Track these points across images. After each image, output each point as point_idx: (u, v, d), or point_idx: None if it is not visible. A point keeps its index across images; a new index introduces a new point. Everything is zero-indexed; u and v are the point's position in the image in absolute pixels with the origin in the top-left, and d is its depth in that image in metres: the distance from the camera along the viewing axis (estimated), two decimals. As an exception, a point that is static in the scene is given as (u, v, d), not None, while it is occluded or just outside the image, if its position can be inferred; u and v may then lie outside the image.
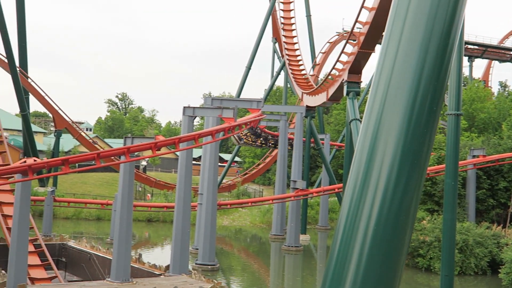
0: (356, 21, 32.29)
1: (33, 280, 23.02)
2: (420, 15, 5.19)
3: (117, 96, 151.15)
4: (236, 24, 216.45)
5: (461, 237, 32.25)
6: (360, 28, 32.34)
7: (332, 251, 5.29)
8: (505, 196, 39.99)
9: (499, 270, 29.91)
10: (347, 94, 32.74)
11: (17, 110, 60.92)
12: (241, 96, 58.93)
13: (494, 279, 31.35)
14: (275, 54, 64.34)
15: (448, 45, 5.21)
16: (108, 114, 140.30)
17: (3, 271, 23.20)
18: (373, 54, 30.77)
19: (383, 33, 5.74)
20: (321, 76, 70.90)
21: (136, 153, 23.56)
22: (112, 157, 45.26)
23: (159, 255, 36.95)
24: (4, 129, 37.72)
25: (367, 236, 5.15)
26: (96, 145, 62.55)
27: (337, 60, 35.47)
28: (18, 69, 50.12)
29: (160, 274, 25.08)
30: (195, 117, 30.56)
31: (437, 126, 5.49)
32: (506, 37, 77.83)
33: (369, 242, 5.10)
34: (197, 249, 31.93)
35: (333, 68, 36.03)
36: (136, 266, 25.94)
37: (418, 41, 5.20)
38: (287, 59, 54.74)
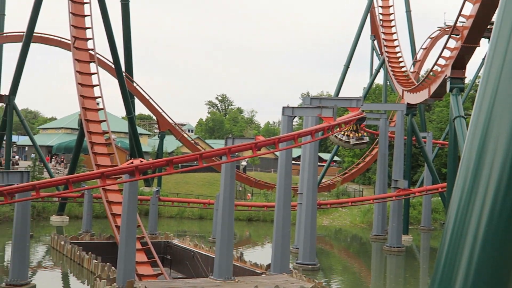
0: (460, 14, 31.14)
1: (140, 276, 23.92)
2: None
3: (217, 98, 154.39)
4: (333, 22, 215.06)
5: None
6: (464, 22, 31.17)
7: (441, 253, 5.13)
8: None
9: None
10: (451, 90, 31.62)
11: (123, 113, 63.62)
12: (340, 95, 58.52)
13: None
14: (374, 52, 63.36)
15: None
16: (209, 115, 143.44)
17: (113, 267, 24.30)
18: (478, 48, 29.53)
19: (489, 27, 5.50)
20: (422, 72, 69.04)
21: (236, 153, 23.90)
22: (214, 158, 46.25)
23: (259, 254, 37.32)
24: (112, 131, 39.45)
25: (477, 239, 4.97)
26: (197, 146, 64.13)
27: (440, 56, 34.34)
28: (124, 74, 52.29)
29: (262, 273, 25.34)
30: (294, 117, 30.65)
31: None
32: None
33: (479, 245, 4.92)
34: (298, 248, 31.98)
35: (435, 64, 34.95)
36: (238, 264, 26.37)
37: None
38: (387, 56, 53.71)
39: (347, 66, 60.76)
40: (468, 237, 5.00)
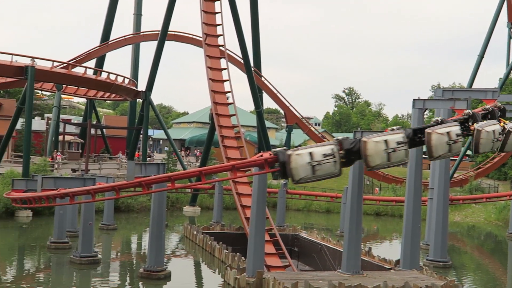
0: None
1: (269, 267, 24.32)
2: None
3: (344, 91, 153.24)
4: (466, 11, 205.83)
5: None
6: None
7: None
8: None
9: None
10: None
11: (252, 107, 64.88)
12: (473, 87, 55.94)
13: None
14: (511, 40, 59.96)
15: None
16: (336, 109, 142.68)
17: (242, 257, 24.89)
18: None
19: None
20: None
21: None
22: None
23: (387, 249, 36.64)
24: (241, 125, 40.33)
25: None
26: (324, 140, 64.04)
27: None
28: (252, 69, 53.29)
29: (390, 269, 24.86)
30: (425, 109, 29.67)
31: None
32: None
33: None
34: (428, 244, 31.03)
35: None
36: (365, 259, 26.04)
37: None
38: (526, 44, 50.62)
39: (481, 56, 58.10)
40: None
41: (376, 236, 44.63)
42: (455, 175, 62.75)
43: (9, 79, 51.03)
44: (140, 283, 22.91)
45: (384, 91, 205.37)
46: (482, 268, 33.85)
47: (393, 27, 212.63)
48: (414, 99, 28.44)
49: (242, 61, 52.57)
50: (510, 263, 36.14)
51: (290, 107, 61.99)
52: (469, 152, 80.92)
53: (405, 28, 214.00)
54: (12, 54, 40.40)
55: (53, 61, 42.37)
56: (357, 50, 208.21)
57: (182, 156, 66.25)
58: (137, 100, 59.13)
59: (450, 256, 30.57)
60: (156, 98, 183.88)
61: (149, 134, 67.88)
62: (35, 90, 55.25)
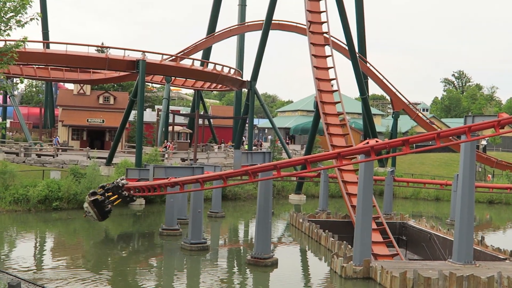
0: None
1: (376, 256, 24.00)
2: None
3: (453, 75, 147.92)
4: None
5: None
6: None
7: None
8: None
9: None
10: None
11: (356, 94, 64.21)
12: None
13: None
14: None
15: None
16: (445, 93, 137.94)
17: (349, 246, 24.71)
18: None
19: None
20: None
21: (476, 132, 22.65)
22: (451, 137, 44.40)
23: (502, 239, 35.06)
24: (346, 112, 39.93)
25: None
26: (433, 126, 62.11)
27: None
28: (357, 55, 52.51)
29: (505, 259, 23.80)
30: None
31: None
32: None
33: None
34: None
35: None
36: (478, 248, 25.09)
37: None
38: None
39: None
40: None
41: (489, 225, 42.82)
42: None
43: (122, 73, 53.42)
44: (247, 270, 23.32)
45: (497, 73, 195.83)
46: None
47: (505, 7, 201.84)
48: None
49: (346, 48, 51.95)
50: None
51: (397, 93, 60.52)
52: None
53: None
54: (124, 49, 42.17)
55: (163, 54, 43.77)
56: (467, 32, 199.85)
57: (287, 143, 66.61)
58: (243, 90, 59.99)
59: None
60: (261, 87, 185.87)
61: (254, 123, 68.74)
62: (146, 83, 57.43)
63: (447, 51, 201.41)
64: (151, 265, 24.63)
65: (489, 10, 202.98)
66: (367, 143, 22.65)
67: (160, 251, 27.67)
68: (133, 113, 49.88)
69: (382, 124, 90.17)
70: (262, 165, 22.66)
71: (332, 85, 40.68)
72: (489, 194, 48.55)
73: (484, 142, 71.68)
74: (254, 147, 59.05)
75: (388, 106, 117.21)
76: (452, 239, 23.56)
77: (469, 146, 22.85)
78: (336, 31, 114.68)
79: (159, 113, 61.58)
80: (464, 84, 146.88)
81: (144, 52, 41.54)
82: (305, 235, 31.63)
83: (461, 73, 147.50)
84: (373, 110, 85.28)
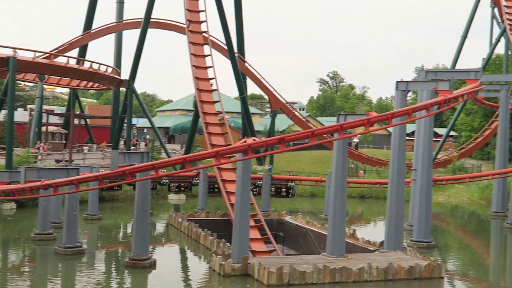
0: None
1: (254, 252, 24.44)
2: None
3: (328, 75, 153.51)
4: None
5: None
6: None
7: None
8: None
9: None
10: None
11: (236, 93, 64.69)
12: (457, 67, 56.17)
13: None
14: (494, 20, 60.19)
15: None
16: (320, 93, 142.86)
17: (227, 244, 24.96)
18: None
19: None
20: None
21: (348, 130, 23.66)
22: (326, 135, 46.01)
23: (372, 231, 36.88)
24: (225, 112, 40.26)
25: None
26: (309, 124, 64.15)
27: None
28: (236, 55, 53.09)
29: (375, 250, 25.08)
30: (409, 91, 29.79)
31: None
32: None
33: None
34: (412, 226, 31.30)
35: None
36: (350, 241, 26.25)
37: None
38: (508, 24, 50.95)
39: (464, 37, 58.34)
40: None
41: (361, 219, 44.93)
42: (438, 156, 63.20)
43: (-10, 71, 50.47)
44: (125, 272, 22.90)
45: (368, 74, 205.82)
46: (465, 247, 34.23)
47: (377, 8, 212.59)
48: (397, 81, 28.55)
49: (226, 47, 52.36)
50: (493, 242, 36.59)
51: (274, 92, 61.88)
52: (452, 133, 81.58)
53: (388, 9, 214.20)
54: (-8, 45, 39.91)
55: (35, 51, 41.91)
56: (341, 33, 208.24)
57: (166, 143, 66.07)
58: (121, 89, 58.72)
59: (433, 236, 30.86)
60: (140, 86, 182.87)
61: (133, 123, 67.50)
62: (17, 81, 54.65)
63: (323, 52, 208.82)
64: (23, 271, 23.49)
65: (361, 13, 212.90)
66: (245, 141, 22.98)
67: (33, 256, 26.49)
68: (3, 112, 47.36)
69: (260, 123, 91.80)
70: (140, 165, 22.34)
71: (211, 85, 40.86)
72: (360, 189, 50.81)
73: (356, 140, 75.09)
74: (132, 147, 58.03)
75: (267, 105, 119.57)
76: (326, 234, 24.47)
77: (341, 143, 23.85)
78: (215, 30, 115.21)
79: (32, 112, 58.85)
80: (338, 84, 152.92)
81: (14, 48, 39.56)
82: (184, 234, 31.55)
83: (335, 73, 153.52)
84: (252, 109, 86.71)
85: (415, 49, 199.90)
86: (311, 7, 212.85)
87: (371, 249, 25.39)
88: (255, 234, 26.56)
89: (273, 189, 40.23)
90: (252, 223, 26.54)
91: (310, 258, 23.08)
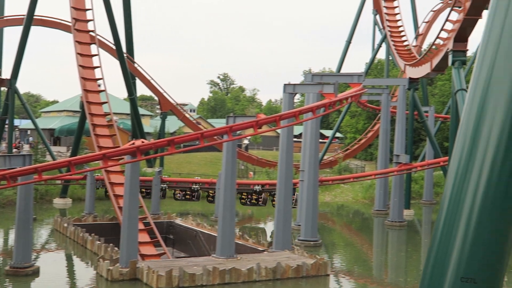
0: (461, -13, 30.77)
1: (143, 256, 24.03)
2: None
3: (218, 77, 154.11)
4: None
5: None
6: (466, -6, 30.82)
7: (437, 224, 5.11)
8: None
9: None
10: (453, 63, 31.40)
11: (125, 94, 63.42)
12: (342, 71, 58.28)
13: None
14: (376, 27, 62.94)
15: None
16: (211, 94, 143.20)
17: (116, 248, 24.38)
18: (480, 20, 29.23)
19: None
20: (425, 46, 68.51)
21: (238, 132, 23.86)
22: (215, 137, 46.16)
23: (262, 232, 37.41)
24: (114, 113, 39.34)
25: (473, 209, 4.97)
26: (199, 126, 64.07)
27: (442, 29, 34.05)
28: (125, 55, 52.02)
29: (264, 250, 25.44)
30: (296, 94, 30.52)
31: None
32: None
33: (476, 214, 4.93)
34: (300, 225, 32.05)
35: (437, 37, 34.68)
36: (240, 242, 26.46)
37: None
38: (389, 30, 53.38)
39: (348, 42, 60.43)
40: (465, 207, 4.97)
41: (251, 220, 45.44)
42: (325, 157, 65.16)
43: None
44: (6, 281, 21.77)
45: (258, 76, 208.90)
46: (351, 244, 35.54)
47: (265, 12, 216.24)
48: (284, 84, 29.14)
49: (114, 47, 51.16)
50: (376, 239, 38.25)
51: (164, 94, 61.24)
52: (338, 135, 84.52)
53: (277, 13, 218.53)
54: None
55: None
56: (232, 34, 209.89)
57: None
58: (2, 88, 55.84)
59: (320, 235, 31.79)
60: (23, 86, 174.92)
61: (16, 124, 64.41)
62: None
63: (213, 53, 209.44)
64: None
65: (253, 15, 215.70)
66: (133, 143, 22.58)
67: None
68: None
69: (151, 124, 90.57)
70: (21, 168, 21.32)
71: (99, 85, 39.72)
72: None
73: (246, 141, 75.97)
74: (15, 150, 55.33)
75: (157, 106, 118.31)
76: (216, 235, 24.52)
77: (231, 145, 24.00)
78: (103, 30, 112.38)
79: None
80: (228, 86, 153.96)
81: None
82: (70, 240, 30.48)
83: (225, 75, 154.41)
84: (142, 111, 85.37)
85: (304, 53, 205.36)
86: (203, 9, 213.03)
87: (260, 249, 25.73)
88: (144, 237, 26.13)
89: (180, 192, 39.63)
90: (141, 226, 26.11)
91: (200, 260, 23.04)
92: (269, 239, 27.61)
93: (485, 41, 5.21)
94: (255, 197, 37.71)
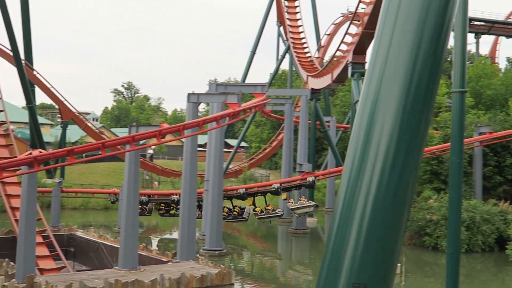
0: (360, 1, 32.01)
1: (42, 270, 23.12)
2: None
3: (123, 85, 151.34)
4: (241, 9, 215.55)
5: (468, 214, 32.21)
6: (364, 8, 32.06)
7: (331, 231, 5.24)
8: (512, 173, 39.77)
9: (506, 247, 29.87)
10: (352, 75, 32.53)
11: (23, 102, 61.12)
12: (247, 81, 58.80)
13: (501, 255, 31.33)
14: (280, 38, 64.07)
15: (444, 22, 5.15)
16: (114, 103, 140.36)
17: (12, 263, 23.33)
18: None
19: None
20: (326, 58, 70.50)
21: (142, 141, 23.55)
22: (120, 146, 45.30)
23: (166, 242, 37.03)
24: (11, 122, 37.76)
25: (364, 216, 5.12)
26: (102, 135, 62.71)
27: (342, 42, 35.21)
28: (23, 62, 50.09)
29: (168, 261, 25.17)
30: (200, 103, 30.50)
31: (435, 103, 5.43)
32: (513, 12, 76.93)
33: (367, 221, 5.08)
34: (205, 235, 31.99)
35: (338, 49, 35.83)
36: (143, 253, 26.03)
37: (414, 20, 5.16)
38: (292, 42, 54.47)
39: (253, 52, 61.12)
40: (356, 215, 5.13)
41: (156, 230, 44.88)
42: (230, 167, 65.47)
43: None
44: None
45: (164, 85, 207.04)
46: (255, 252, 35.85)
47: (172, 20, 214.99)
48: (188, 94, 29.05)
49: (11, 53, 49.15)
50: (280, 246, 38.83)
51: (65, 102, 59.39)
52: (243, 144, 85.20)
53: (184, 22, 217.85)
54: None
55: None
56: (136, 43, 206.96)
57: None
58: None
59: (225, 244, 31.87)
60: None
61: None
62: None
63: (118, 61, 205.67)
64: None
65: (157, 24, 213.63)
66: (30, 153, 21.76)
67: None
68: None
69: (51, 134, 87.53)
70: None
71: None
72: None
73: (151, 151, 74.95)
74: None
75: (58, 115, 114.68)
76: (119, 247, 24.00)
77: (134, 155, 23.62)
78: (0, 35, 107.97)
79: None
80: (133, 95, 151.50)
81: None
82: (-38, 255, 28.82)
83: (130, 84, 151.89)
84: (41, 120, 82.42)
85: (211, 63, 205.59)
86: (102, 14, 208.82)
87: (164, 260, 25.42)
88: (43, 251, 25.11)
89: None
90: (40, 239, 25.09)
91: (101, 272, 22.47)
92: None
93: (374, 54, 5.42)
94: (237, 210, 36.38)
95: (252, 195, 35.91)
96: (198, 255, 26.45)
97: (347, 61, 33.48)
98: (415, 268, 30.04)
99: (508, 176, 39.79)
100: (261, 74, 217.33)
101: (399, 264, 27.59)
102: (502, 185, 39.82)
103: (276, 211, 35.73)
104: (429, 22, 5.08)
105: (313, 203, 37.29)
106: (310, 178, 35.99)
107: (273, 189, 35.29)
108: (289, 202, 35.75)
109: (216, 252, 29.91)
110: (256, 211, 34.55)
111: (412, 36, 5.09)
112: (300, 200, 35.72)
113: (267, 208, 35.20)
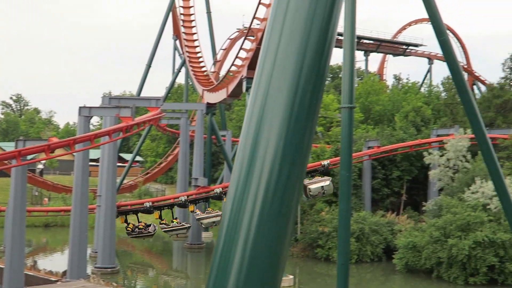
0: (254, 17, 32.49)
1: None
2: (298, 16, 5.28)
3: (11, 98, 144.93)
4: (138, 20, 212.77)
5: (358, 226, 33.37)
6: (259, 24, 32.56)
7: (219, 239, 5.26)
8: (398, 185, 41.67)
9: (393, 256, 31.20)
10: (247, 90, 32.87)
11: None
12: (143, 95, 57.95)
13: (388, 264, 32.67)
14: (176, 51, 63.74)
15: (325, 43, 5.31)
16: (2, 116, 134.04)
17: None
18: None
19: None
20: (222, 72, 70.88)
21: (31, 156, 22.59)
22: (6, 161, 43.17)
23: (57, 261, 35.65)
24: None
25: (250, 230, 5.16)
26: (-12, 149, 59.50)
27: (236, 57, 35.56)
28: None
29: (57, 280, 24.24)
30: (92, 117, 29.69)
31: (318, 118, 5.58)
32: (399, 32, 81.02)
33: (254, 228, 5.14)
34: (97, 252, 31.08)
35: (233, 64, 36.14)
36: (31, 273, 24.91)
37: (297, 39, 5.30)
38: (188, 56, 54.34)
39: (149, 66, 60.37)
40: (242, 228, 5.16)
41: (45, 249, 43.09)
42: (125, 181, 64.13)
43: None
44: None
45: (55, 98, 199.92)
46: (150, 268, 35.26)
47: (65, 31, 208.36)
48: (80, 107, 28.24)
49: None
50: (175, 261, 38.43)
51: None
52: (138, 158, 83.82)
53: (77, 33, 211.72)
54: None
55: None
56: (25, 55, 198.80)
57: None
58: None
59: (119, 261, 31.15)
60: None
61: None
62: None
63: (5, 73, 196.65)
64: None
65: (56, 38, 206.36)
66: None
67: None
68: None
69: None
70: None
71: None
72: (45, 217, 48.72)
73: (40, 166, 72.01)
74: None
75: None
76: (3, 267, 22.83)
77: (20, 170, 22.61)
78: None
79: None
80: (22, 107, 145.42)
81: None
82: None
83: (19, 96, 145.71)
84: None
85: (106, 75, 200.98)
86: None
87: (53, 279, 24.44)
88: None
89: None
90: None
91: (-16, 295, 21.24)
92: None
93: (260, 71, 5.50)
94: (142, 226, 34.26)
95: (158, 208, 35.22)
96: (89, 274, 25.65)
97: (242, 76, 33.84)
98: (308, 279, 30.68)
99: (394, 188, 41.66)
100: (157, 88, 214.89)
101: (292, 276, 28.09)
102: (389, 197, 41.62)
103: (183, 223, 35.32)
104: (311, 42, 5.23)
105: (220, 212, 37.10)
106: (218, 190, 35.84)
107: (180, 202, 34.78)
108: (195, 213, 35.48)
109: (109, 269, 29.13)
110: (163, 223, 33.88)
111: (294, 56, 5.23)
112: (207, 210, 35.59)
113: (173, 221, 34.70)
